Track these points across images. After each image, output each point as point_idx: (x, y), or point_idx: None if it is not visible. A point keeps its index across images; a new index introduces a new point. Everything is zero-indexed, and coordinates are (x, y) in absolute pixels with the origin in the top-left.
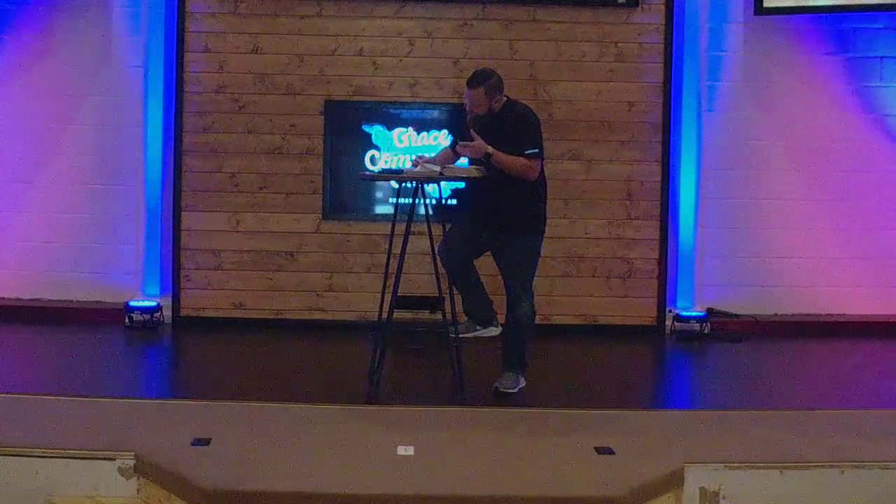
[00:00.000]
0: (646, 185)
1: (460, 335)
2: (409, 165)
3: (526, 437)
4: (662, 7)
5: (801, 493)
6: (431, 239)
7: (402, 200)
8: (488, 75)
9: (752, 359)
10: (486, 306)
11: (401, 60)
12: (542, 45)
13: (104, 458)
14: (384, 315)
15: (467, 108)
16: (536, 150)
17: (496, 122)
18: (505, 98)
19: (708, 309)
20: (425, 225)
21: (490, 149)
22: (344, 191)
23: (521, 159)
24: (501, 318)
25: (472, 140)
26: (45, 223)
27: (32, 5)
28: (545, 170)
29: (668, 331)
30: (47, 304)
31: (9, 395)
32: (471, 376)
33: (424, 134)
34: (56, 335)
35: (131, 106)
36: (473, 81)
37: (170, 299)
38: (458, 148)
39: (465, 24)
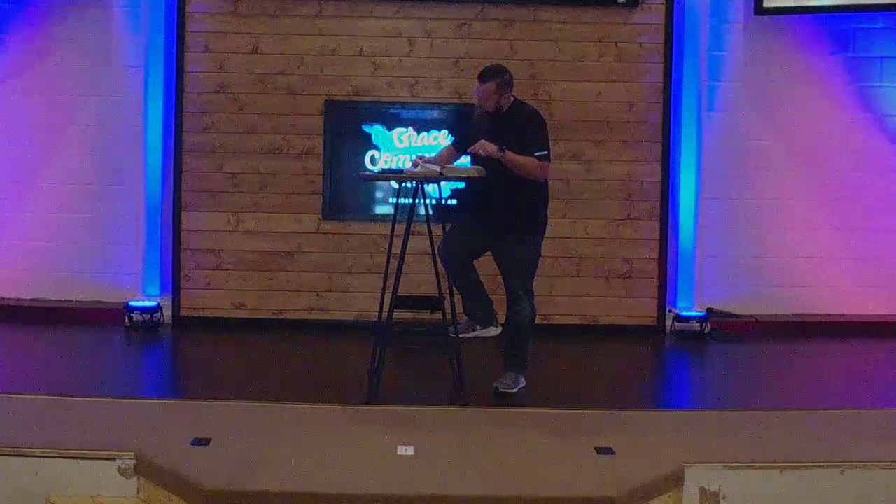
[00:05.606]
0: (646, 185)
1: (460, 335)
2: (409, 165)
3: (526, 437)
4: (662, 7)
5: (801, 493)
6: (431, 239)
7: (402, 200)
8: (501, 71)
9: (752, 359)
10: (486, 306)
11: (401, 60)
12: (542, 45)
13: (104, 458)
14: (384, 315)
15: (477, 103)
16: (546, 153)
17: (503, 121)
18: (513, 98)
19: (708, 309)
20: (425, 225)
21: (498, 153)
22: (344, 191)
23: (533, 159)
24: (501, 318)
25: (479, 138)
26: (46, 223)
27: (32, 5)
28: None
29: (668, 331)
30: (47, 304)
31: (9, 395)
32: (471, 376)
33: (424, 134)
34: (56, 335)
35: (131, 106)
36: (485, 76)
37: (170, 299)
38: (471, 148)
39: (465, 24)
